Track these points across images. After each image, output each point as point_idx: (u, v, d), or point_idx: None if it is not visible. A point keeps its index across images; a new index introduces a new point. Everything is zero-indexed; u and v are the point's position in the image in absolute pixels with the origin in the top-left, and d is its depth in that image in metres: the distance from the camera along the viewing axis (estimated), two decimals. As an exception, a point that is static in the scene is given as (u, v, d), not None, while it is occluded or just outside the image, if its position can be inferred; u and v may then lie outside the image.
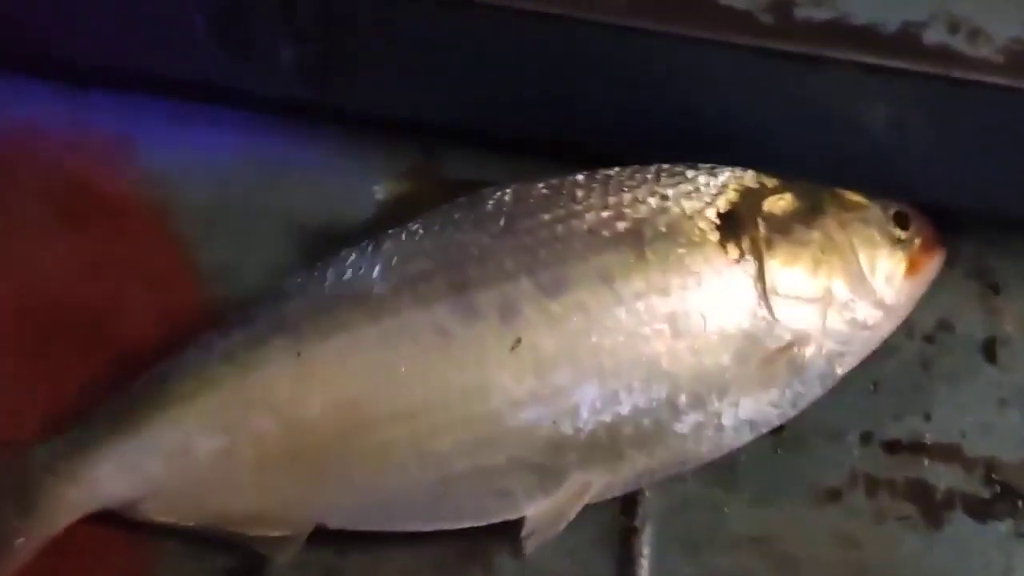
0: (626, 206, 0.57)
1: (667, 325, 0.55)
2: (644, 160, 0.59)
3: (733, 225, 0.57)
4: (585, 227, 0.57)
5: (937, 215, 0.63)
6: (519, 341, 0.55)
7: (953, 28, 0.54)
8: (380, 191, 0.61)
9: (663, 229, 0.56)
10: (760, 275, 0.56)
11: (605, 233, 0.56)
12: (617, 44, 0.56)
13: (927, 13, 0.54)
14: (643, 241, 0.56)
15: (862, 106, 0.58)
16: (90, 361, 0.62)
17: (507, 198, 0.58)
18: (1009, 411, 0.63)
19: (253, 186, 0.66)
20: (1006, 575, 0.60)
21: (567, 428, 0.55)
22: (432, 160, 0.67)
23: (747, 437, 0.58)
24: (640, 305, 0.55)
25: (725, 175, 0.59)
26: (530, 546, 0.56)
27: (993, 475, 0.62)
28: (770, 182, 0.59)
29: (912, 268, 0.60)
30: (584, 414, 0.55)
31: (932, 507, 0.61)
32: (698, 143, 0.60)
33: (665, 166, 0.59)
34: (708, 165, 0.59)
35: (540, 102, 0.62)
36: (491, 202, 0.58)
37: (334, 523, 0.57)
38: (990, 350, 0.64)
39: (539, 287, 0.56)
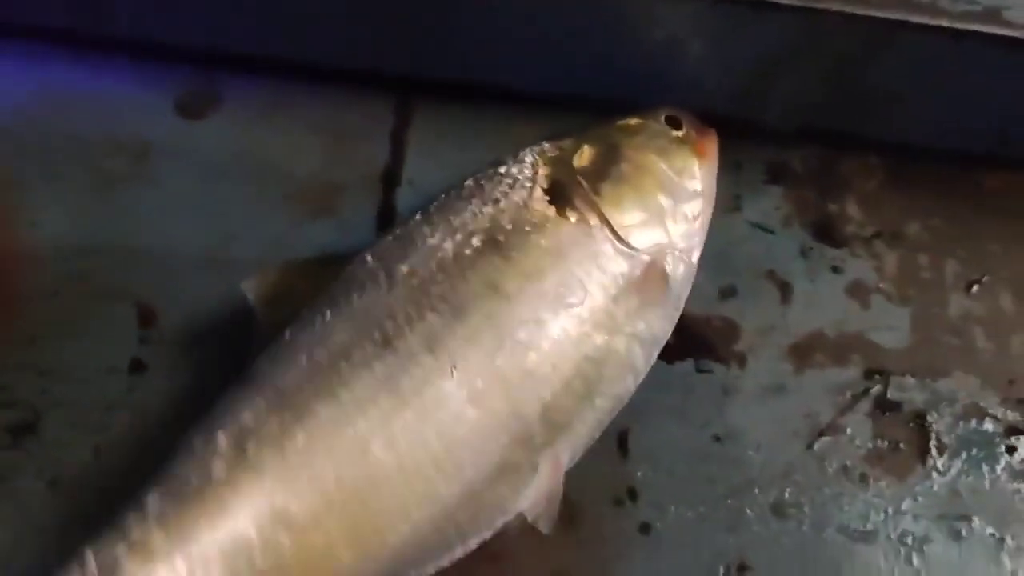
0: (470, 224, 0.64)
1: (558, 300, 0.62)
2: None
3: (561, 194, 0.65)
4: (450, 256, 0.63)
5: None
6: (455, 367, 0.60)
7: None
8: (249, 293, 0.64)
9: (509, 226, 0.63)
10: (605, 222, 0.64)
11: (468, 252, 0.63)
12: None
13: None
14: (500, 244, 0.63)
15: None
16: None
17: (371, 261, 0.64)
18: (697, 274, 0.68)
19: (40, 108, 0.73)
20: (685, 403, 0.70)
21: (521, 421, 0.61)
22: (209, 84, 0.75)
23: (660, 348, 0.66)
24: (528, 293, 0.62)
25: (529, 157, 0.67)
26: (545, 527, 0.62)
27: (680, 325, 0.69)
28: (565, 144, 0.68)
29: (701, 154, 0.69)
30: (531, 400, 0.61)
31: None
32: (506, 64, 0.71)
33: (478, 175, 0.66)
34: (510, 157, 0.67)
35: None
36: (361, 270, 0.63)
37: None
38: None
39: (446, 318, 0.61)
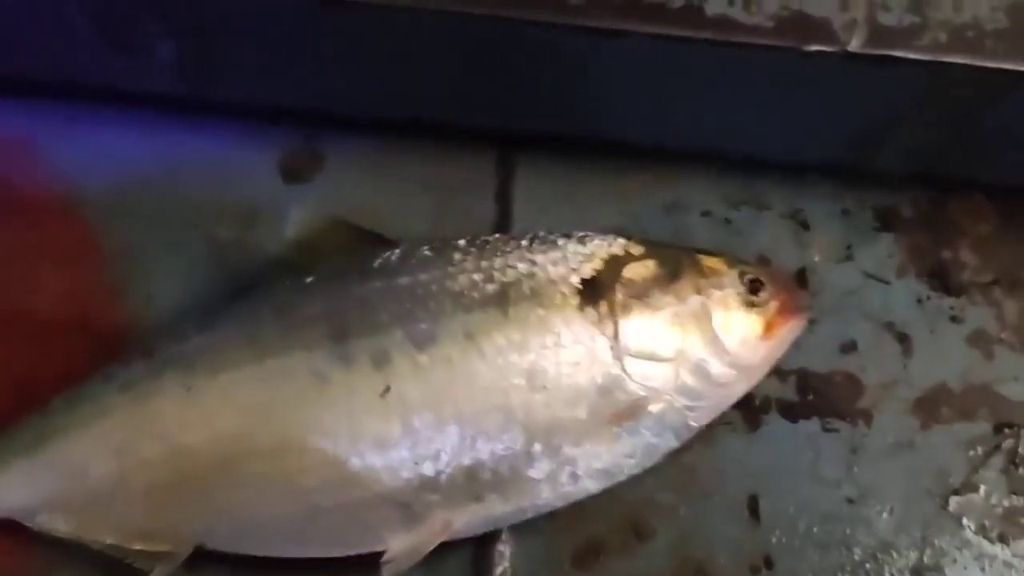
0: (496, 270, 0.62)
1: (524, 379, 0.60)
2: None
3: (594, 290, 0.62)
4: (456, 288, 0.62)
5: (752, 165, 0.73)
6: (388, 388, 0.60)
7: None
8: (290, 231, 0.69)
9: (527, 292, 0.62)
10: (615, 336, 0.61)
11: (474, 294, 0.62)
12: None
13: (709, -11, 0.63)
14: (508, 302, 0.61)
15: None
16: (8, 336, 0.68)
17: (393, 258, 0.64)
18: (817, 328, 0.70)
19: (151, 175, 0.72)
20: (814, 464, 0.69)
21: (429, 470, 0.60)
22: (311, 144, 0.74)
23: (603, 484, 0.63)
24: (500, 360, 0.60)
25: (594, 243, 0.64)
26: (388, 572, 0.61)
27: (803, 382, 0.70)
28: (636, 249, 0.64)
29: (768, 330, 0.64)
30: (445, 458, 0.60)
31: (751, 412, 0.69)
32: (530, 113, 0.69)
33: (540, 234, 0.65)
34: (580, 233, 0.65)
35: (405, 87, 0.70)
36: (379, 260, 0.64)
37: (212, 544, 0.62)
38: (801, 277, 0.73)
39: (410, 339, 0.60)
